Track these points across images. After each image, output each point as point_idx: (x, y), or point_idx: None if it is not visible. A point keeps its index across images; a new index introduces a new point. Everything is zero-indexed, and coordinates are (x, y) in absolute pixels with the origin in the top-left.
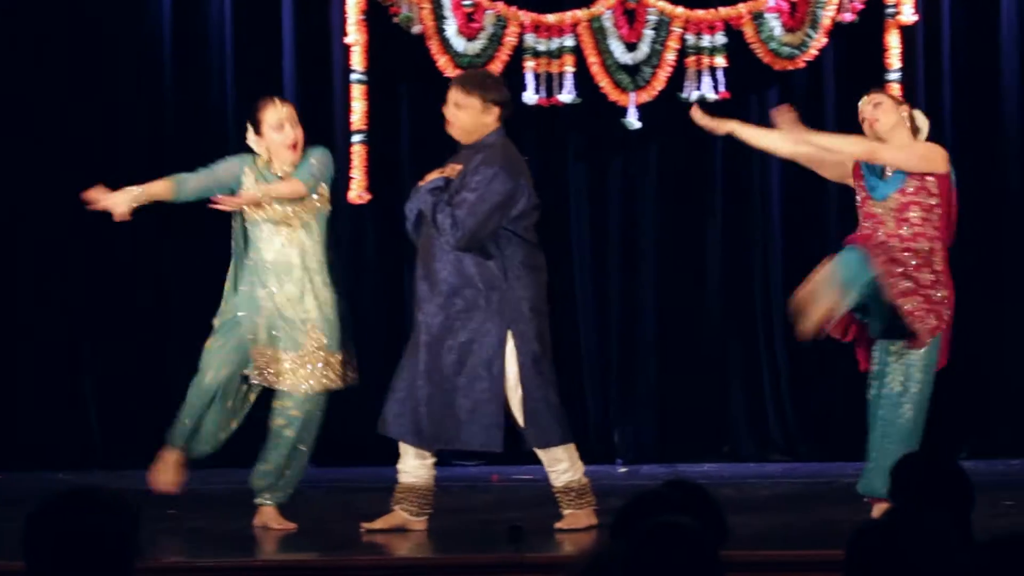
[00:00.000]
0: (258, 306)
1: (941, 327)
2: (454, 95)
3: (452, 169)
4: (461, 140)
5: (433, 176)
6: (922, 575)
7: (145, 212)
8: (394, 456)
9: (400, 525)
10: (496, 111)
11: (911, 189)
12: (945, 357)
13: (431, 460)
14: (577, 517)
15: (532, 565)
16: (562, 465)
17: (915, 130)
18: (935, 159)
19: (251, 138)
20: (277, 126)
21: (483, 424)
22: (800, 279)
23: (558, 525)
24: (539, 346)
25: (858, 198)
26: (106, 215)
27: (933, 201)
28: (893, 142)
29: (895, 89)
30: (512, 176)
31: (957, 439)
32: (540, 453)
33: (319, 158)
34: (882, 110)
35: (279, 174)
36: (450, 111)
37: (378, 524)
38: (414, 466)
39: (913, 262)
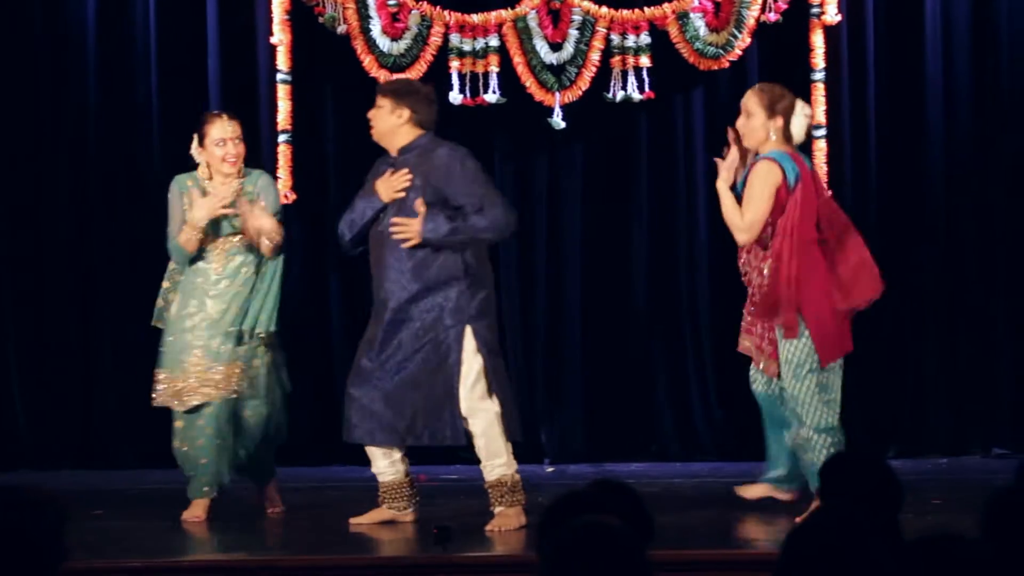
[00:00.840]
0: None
1: (773, 355)
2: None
3: (399, 179)
4: (382, 144)
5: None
6: (852, 574)
7: (69, 207)
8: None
9: (388, 519)
10: (407, 114)
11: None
12: (833, 349)
13: (399, 455)
14: (507, 516)
15: (460, 565)
16: (500, 460)
17: (787, 137)
18: (764, 205)
19: (194, 148)
20: (219, 142)
21: (447, 419)
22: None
23: (489, 526)
24: (495, 342)
25: None
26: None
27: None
28: (747, 203)
29: (819, 89)
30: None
31: (884, 438)
32: (482, 446)
33: (274, 190)
34: (749, 127)
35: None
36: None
37: (364, 519)
38: (385, 465)
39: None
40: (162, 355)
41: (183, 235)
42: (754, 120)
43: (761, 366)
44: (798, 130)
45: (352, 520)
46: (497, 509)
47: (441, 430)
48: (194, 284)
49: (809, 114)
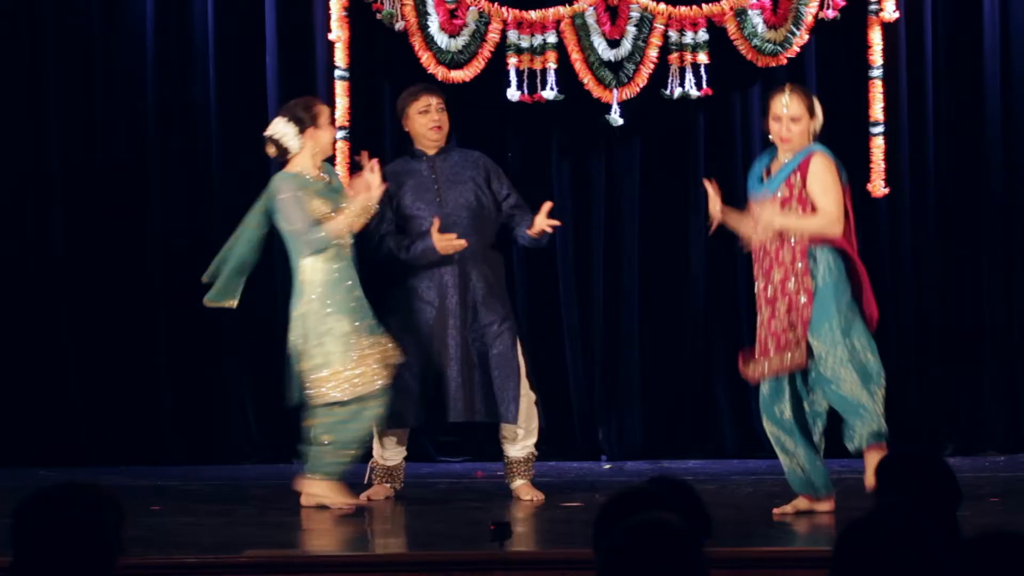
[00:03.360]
0: None
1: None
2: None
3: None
4: (440, 144)
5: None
6: (909, 572)
7: (128, 206)
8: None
9: (386, 495)
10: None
11: (785, 194)
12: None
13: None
14: (528, 488)
15: (517, 561)
16: (533, 440)
17: (815, 135)
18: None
19: (295, 137)
20: (332, 120)
21: (511, 398)
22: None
23: (529, 497)
24: None
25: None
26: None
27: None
28: (823, 194)
29: (877, 87)
30: None
31: (942, 435)
32: (511, 427)
33: None
34: (798, 131)
35: (317, 174)
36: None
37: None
38: (395, 452)
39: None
40: (330, 352)
41: (338, 226)
42: (802, 124)
43: (788, 359)
44: (818, 127)
45: (364, 496)
46: (520, 482)
47: (510, 409)
48: (333, 274)
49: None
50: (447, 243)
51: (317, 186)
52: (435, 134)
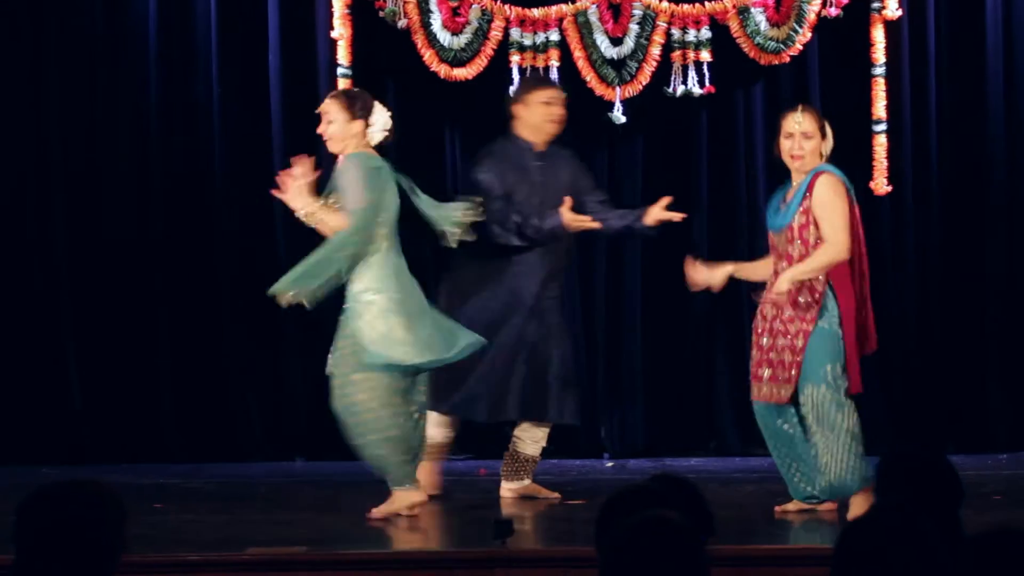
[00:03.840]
0: None
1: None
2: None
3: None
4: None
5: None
6: (910, 571)
7: (129, 204)
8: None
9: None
10: None
11: (802, 221)
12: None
13: None
14: (537, 487)
15: (519, 559)
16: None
17: (826, 157)
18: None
19: (357, 127)
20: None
21: (571, 397)
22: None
23: (546, 495)
24: None
25: None
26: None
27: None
28: (829, 219)
29: (879, 84)
30: None
31: (944, 433)
32: (543, 426)
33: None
34: (810, 148)
35: None
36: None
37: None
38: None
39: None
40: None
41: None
42: (814, 141)
43: (781, 392)
44: (827, 150)
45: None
46: (528, 480)
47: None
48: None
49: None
50: (579, 222)
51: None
52: (552, 128)
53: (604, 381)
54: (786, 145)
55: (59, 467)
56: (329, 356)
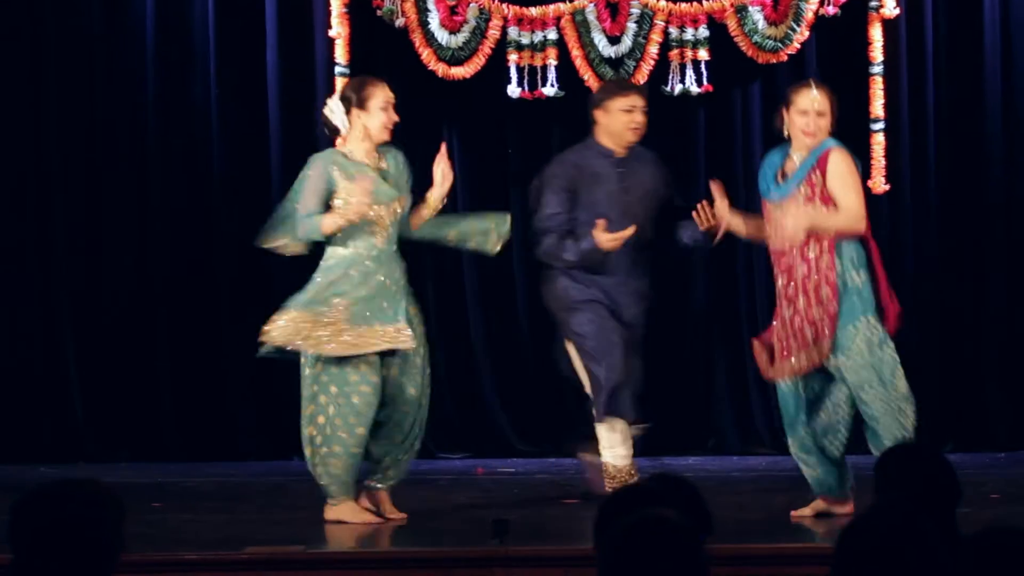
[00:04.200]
0: None
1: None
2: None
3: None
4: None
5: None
6: (909, 569)
7: (128, 203)
8: None
9: None
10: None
11: (807, 194)
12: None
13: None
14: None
15: (516, 558)
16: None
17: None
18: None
19: (342, 116)
20: (385, 105)
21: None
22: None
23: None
24: None
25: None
26: (89, 210)
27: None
28: (844, 191)
29: (877, 83)
30: None
31: (942, 432)
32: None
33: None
34: (824, 125)
35: (364, 161)
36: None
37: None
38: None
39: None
40: None
41: (328, 222)
42: (827, 119)
43: (805, 358)
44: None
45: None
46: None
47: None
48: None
49: None
50: (613, 241)
51: (360, 168)
52: (632, 136)
53: None
54: (800, 121)
55: (57, 466)
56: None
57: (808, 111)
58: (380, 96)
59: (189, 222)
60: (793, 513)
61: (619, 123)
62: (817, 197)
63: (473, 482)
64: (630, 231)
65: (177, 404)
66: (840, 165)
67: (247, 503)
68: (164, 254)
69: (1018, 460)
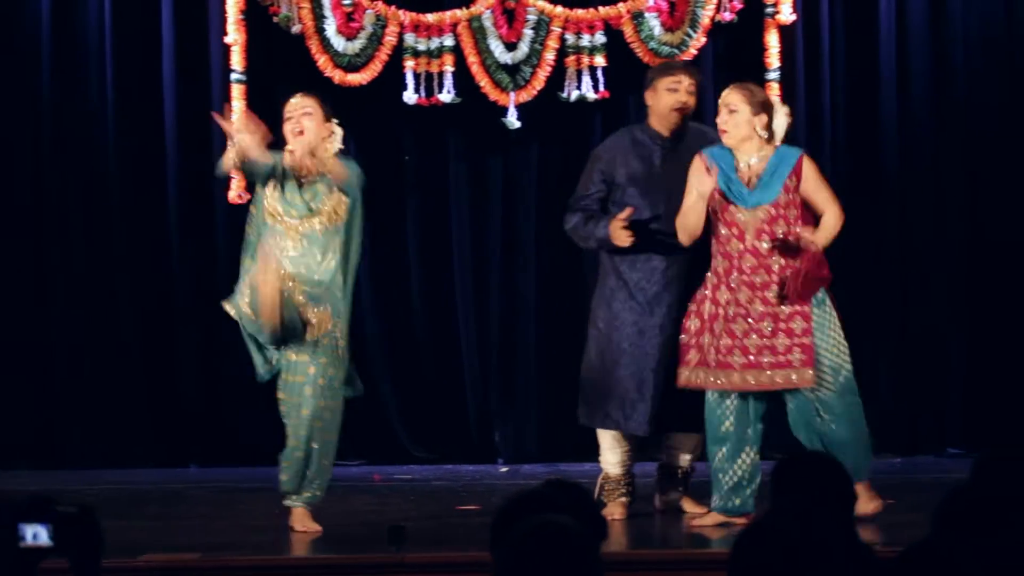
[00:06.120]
0: None
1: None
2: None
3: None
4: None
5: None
6: (805, 573)
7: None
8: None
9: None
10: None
11: (787, 199)
12: None
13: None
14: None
15: (413, 565)
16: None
17: (770, 137)
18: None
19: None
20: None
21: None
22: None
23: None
24: None
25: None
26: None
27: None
28: (824, 194)
29: (773, 88)
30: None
31: None
32: (689, 436)
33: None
34: (733, 122)
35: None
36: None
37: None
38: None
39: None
40: None
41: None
42: (739, 116)
43: (795, 379)
44: (780, 129)
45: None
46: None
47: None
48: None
49: (788, 113)
50: (624, 239)
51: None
52: (675, 116)
53: (497, 386)
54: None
55: (52, 471)
56: None
57: (721, 108)
58: (287, 108)
59: (84, 226)
60: (694, 523)
61: (663, 103)
62: (792, 205)
63: (370, 488)
64: (628, 242)
65: (78, 408)
66: (814, 169)
67: (142, 510)
68: (57, 259)
69: (914, 465)
